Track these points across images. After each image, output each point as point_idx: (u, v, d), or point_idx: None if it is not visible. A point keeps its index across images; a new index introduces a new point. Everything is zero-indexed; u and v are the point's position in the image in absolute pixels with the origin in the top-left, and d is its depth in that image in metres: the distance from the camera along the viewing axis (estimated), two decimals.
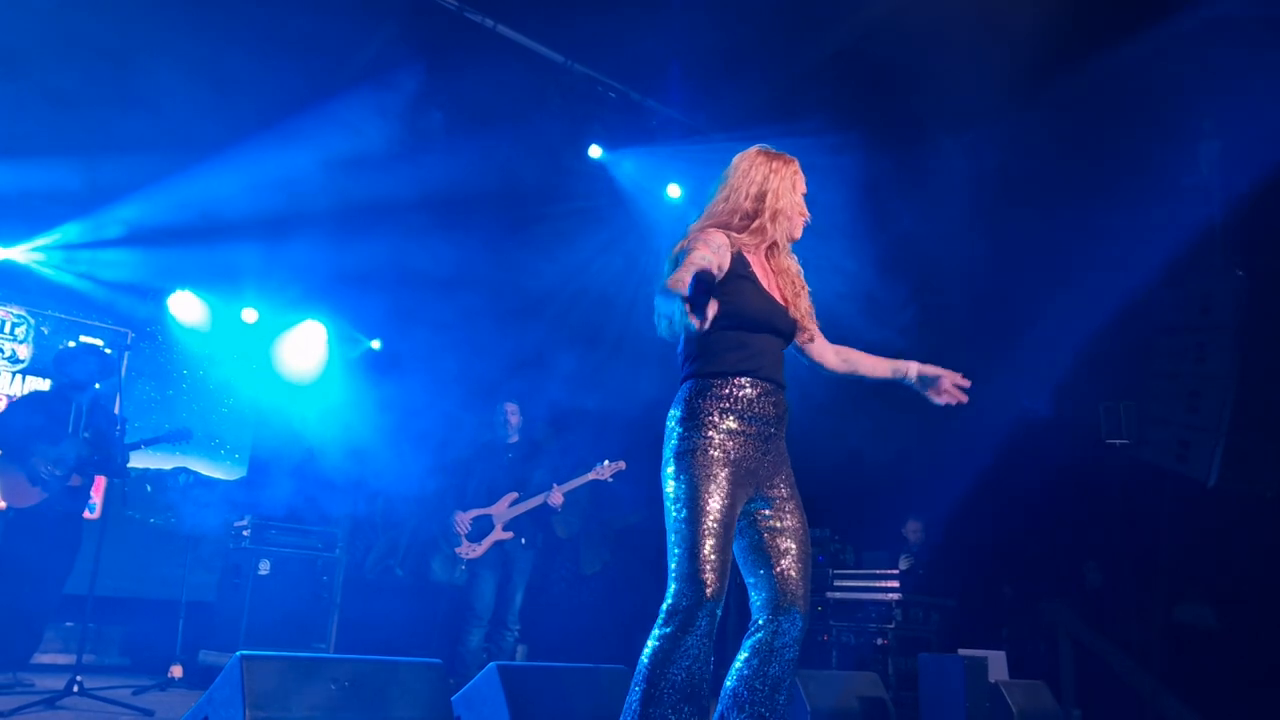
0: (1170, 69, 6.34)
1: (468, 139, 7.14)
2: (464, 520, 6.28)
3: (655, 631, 2.61)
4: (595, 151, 7.89)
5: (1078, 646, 7.55)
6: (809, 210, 3.04)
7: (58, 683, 5.08)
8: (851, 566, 7.99)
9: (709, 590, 2.57)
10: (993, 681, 5.00)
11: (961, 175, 7.04)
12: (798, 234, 3.01)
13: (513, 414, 6.60)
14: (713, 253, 2.75)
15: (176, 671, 6.24)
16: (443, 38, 6.51)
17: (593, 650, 7.96)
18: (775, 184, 2.94)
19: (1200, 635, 7.20)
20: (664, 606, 2.62)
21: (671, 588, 2.62)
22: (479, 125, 7.09)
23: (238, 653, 2.95)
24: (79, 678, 5.02)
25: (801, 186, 3.01)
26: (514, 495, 6.32)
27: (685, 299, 2.33)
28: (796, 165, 3.02)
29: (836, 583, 7.70)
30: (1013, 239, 7.17)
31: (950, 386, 3.14)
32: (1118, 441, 7.08)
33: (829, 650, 7.53)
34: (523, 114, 7.06)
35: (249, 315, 8.37)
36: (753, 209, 2.93)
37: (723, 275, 2.78)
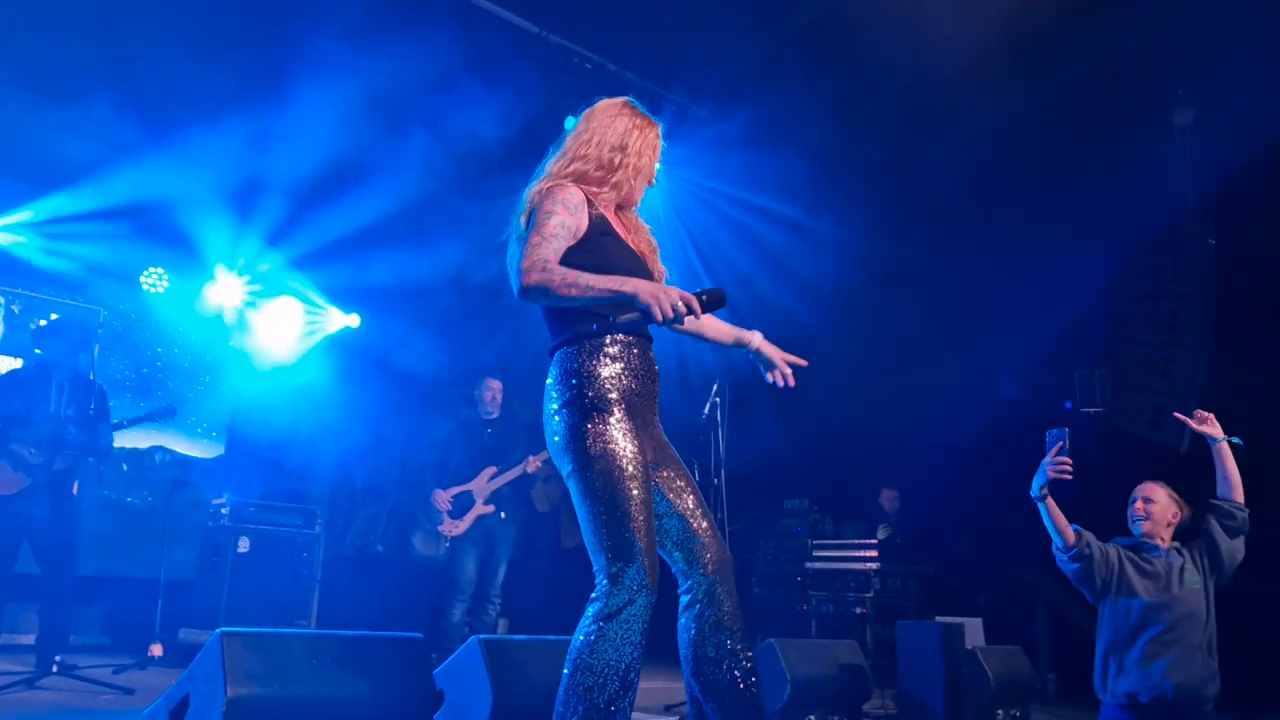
0: (1145, 38, 6.36)
1: (443, 111, 7.09)
2: (443, 498, 6.29)
3: (593, 624, 2.49)
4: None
5: (1053, 612, 7.64)
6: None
7: None
8: (830, 537, 8.04)
9: (648, 580, 2.48)
10: (970, 648, 5.06)
11: (938, 145, 7.05)
12: (638, 198, 2.89)
13: (494, 389, 6.60)
14: (570, 214, 2.66)
15: (156, 650, 6.22)
16: (414, 7, 6.44)
17: (574, 623, 7.99)
18: (637, 141, 2.80)
19: None
20: (599, 597, 2.51)
21: (604, 580, 2.50)
22: (452, 97, 7.03)
23: (218, 630, 2.94)
24: (59, 657, 5.00)
25: (658, 154, 2.89)
26: (493, 469, 6.33)
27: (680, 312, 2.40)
28: (659, 130, 2.89)
29: (815, 553, 7.76)
30: (988, 207, 7.20)
31: (784, 370, 3.01)
32: (1092, 410, 7.15)
33: (808, 619, 7.59)
34: (497, 85, 7.00)
35: (224, 292, 8.29)
36: (610, 161, 2.78)
37: (580, 236, 2.68)
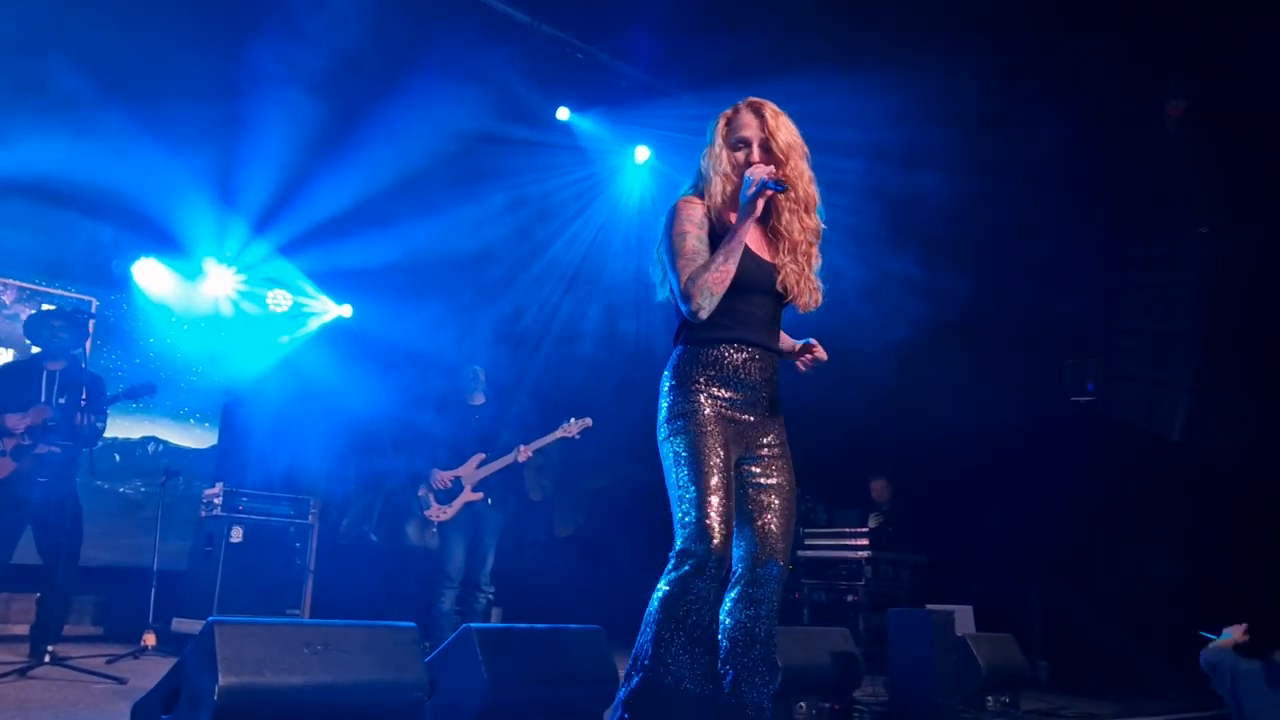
0: (1137, 27, 6.36)
1: (437, 103, 7.06)
2: (444, 478, 6.30)
3: (665, 576, 2.69)
4: (563, 114, 7.82)
5: (1046, 600, 7.66)
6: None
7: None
8: (823, 525, 8.06)
9: (716, 538, 2.65)
10: (960, 635, 5.07)
11: (929, 136, 7.04)
12: (742, 188, 2.81)
13: (480, 377, 6.61)
14: (699, 229, 2.85)
15: (149, 639, 6.22)
16: None
17: (567, 613, 8.00)
18: (710, 153, 2.93)
19: (1165, 587, 7.32)
20: (673, 552, 2.69)
21: (679, 535, 2.69)
22: (448, 88, 7.00)
23: (210, 618, 2.94)
24: (51, 647, 5.00)
25: (741, 131, 2.90)
26: (481, 456, 6.34)
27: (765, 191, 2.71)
28: (729, 114, 2.96)
29: (808, 541, 7.77)
30: (977, 193, 7.19)
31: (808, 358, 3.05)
32: (1084, 398, 7.16)
33: (801, 607, 7.61)
34: (489, 76, 6.97)
35: (217, 282, 8.27)
36: (705, 171, 2.95)
37: (704, 241, 2.84)
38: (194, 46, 6.29)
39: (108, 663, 5.41)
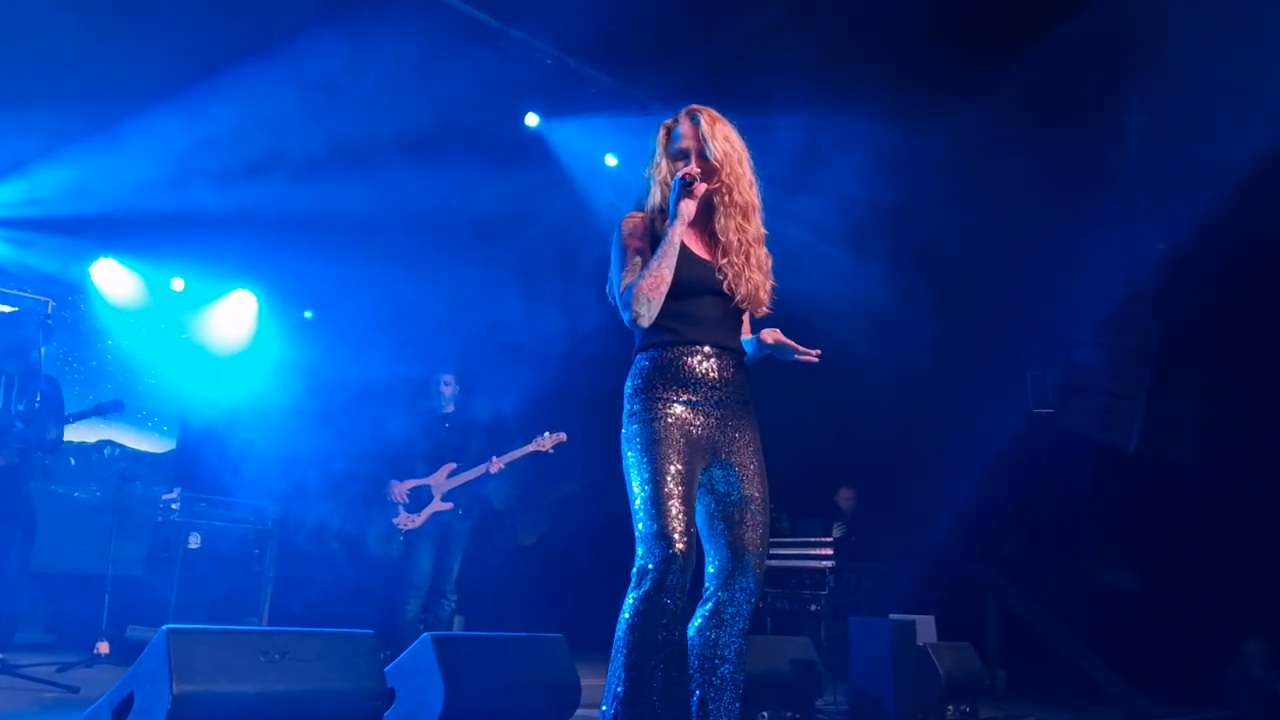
0: (1098, 43, 6.45)
1: (405, 106, 7.03)
2: (400, 490, 6.24)
3: (628, 595, 2.61)
4: (532, 119, 7.81)
5: (1004, 610, 7.73)
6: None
7: None
8: (786, 534, 8.08)
9: (674, 547, 2.58)
10: (921, 644, 5.10)
11: (896, 149, 7.09)
12: (667, 200, 2.88)
13: (448, 385, 6.56)
14: (638, 240, 2.87)
15: (103, 648, 6.13)
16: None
17: (530, 620, 7.96)
18: (652, 164, 2.99)
19: (1121, 597, 7.42)
20: (633, 570, 2.63)
21: (638, 549, 2.63)
22: (414, 91, 6.97)
23: (164, 626, 2.90)
24: (1, 654, 4.91)
25: (681, 142, 2.92)
26: (452, 466, 6.29)
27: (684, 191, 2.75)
28: (669, 123, 3.00)
29: (771, 550, 7.79)
30: (941, 208, 7.26)
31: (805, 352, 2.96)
32: (1044, 410, 7.24)
33: (763, 616, 7.63)
34: (458, 80, 6.95)
35: (176, 284, 8.18)
36: (646, 188, 3.00)
37: (647, 251, 2.85)
38: (134, 30, 6.20)
39: (59, 671, 5.33)
